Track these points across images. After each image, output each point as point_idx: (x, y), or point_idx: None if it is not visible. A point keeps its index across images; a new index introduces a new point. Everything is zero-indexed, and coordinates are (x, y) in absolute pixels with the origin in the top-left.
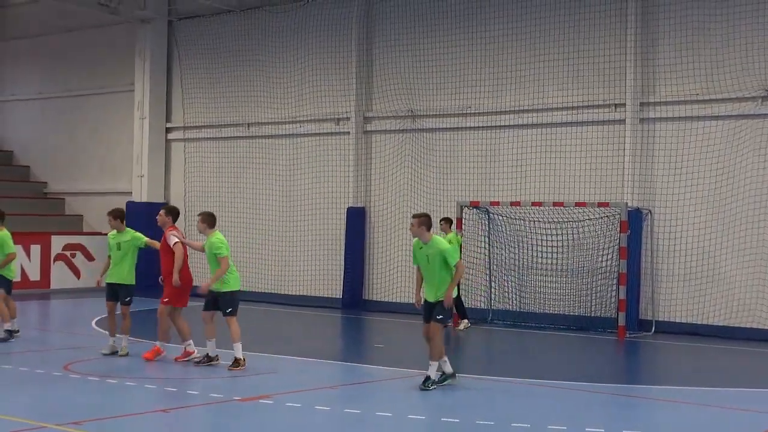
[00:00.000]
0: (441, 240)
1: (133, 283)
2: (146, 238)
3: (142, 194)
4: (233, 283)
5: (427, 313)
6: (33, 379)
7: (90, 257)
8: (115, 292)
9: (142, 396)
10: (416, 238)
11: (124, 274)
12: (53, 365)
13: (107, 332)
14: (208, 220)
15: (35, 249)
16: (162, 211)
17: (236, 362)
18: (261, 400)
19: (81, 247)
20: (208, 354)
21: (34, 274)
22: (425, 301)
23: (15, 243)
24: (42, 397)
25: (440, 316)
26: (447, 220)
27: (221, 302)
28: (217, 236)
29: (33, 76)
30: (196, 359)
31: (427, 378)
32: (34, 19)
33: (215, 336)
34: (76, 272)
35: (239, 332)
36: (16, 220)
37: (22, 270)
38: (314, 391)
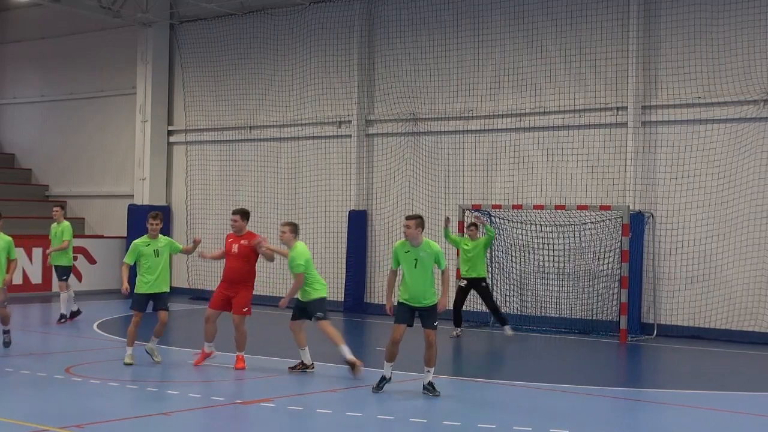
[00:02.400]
0: (434, 242)
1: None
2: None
3: (143, 197)
4: (320, 290)
5: (409, 316)
6: (35, 382)
7: (92, 260)
8: (149, 301)
9: (144, 399)
10: (401, 241)
11: (167, 281)
12: (55, 368)
13: (126, 342)
14: (295, 231)
15: (37, 252)
16: (237, 216)
17: (351, 364)
18: (263, 404)
19: (83, 250)
20: (303, 361)
21: (36, 277)
22: (405, 305)
23: (16, 246)
24: (44, 400)
25: (437, 323)
26: (476, 226)
27: (311, 309)
28: (299, 250)
29: (35, 78)
30: (290, 365)
31: (431, 386)
32: (36, 22)
33: (306, 344)
34: (78, 275)
35: (338, 334)
36: (18, 223)
37: (24, 273)
38: (316, 395)
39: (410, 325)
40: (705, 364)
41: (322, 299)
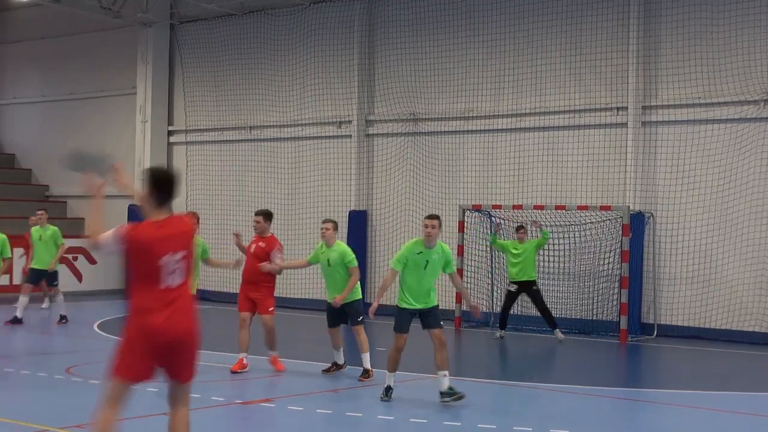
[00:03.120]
0: (445, 245)
1: None
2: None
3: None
4: (358, 291)
5: (409, 322)
6: (35, 383)
7: (92, 260)
8: None
9: (144, 399)
10: (414, 241)
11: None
12: (55, 368)
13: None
14: (336, 228)
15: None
16: (260, 218)
17: (366, 373)
18: (263, 404)
19: (83, 251)
20: (336, 362)
21: None
22: (407, 311)
23: (16, 246)
24: (44, 400)
25: (442, 322)
26: (524, 229)
27: (351, 311)
28: (344, 246)
29: (35, 79)
30: (324, 368)
31: (452, 389)
32: (36, 22)
33: (342, 345)
34: (78, 275)
35: (367, 342)
36: (18, 223)
37: (24, 273)
38: (316, 395)
39: (405, 332)
40: (705, 365)
41: (360, 301)
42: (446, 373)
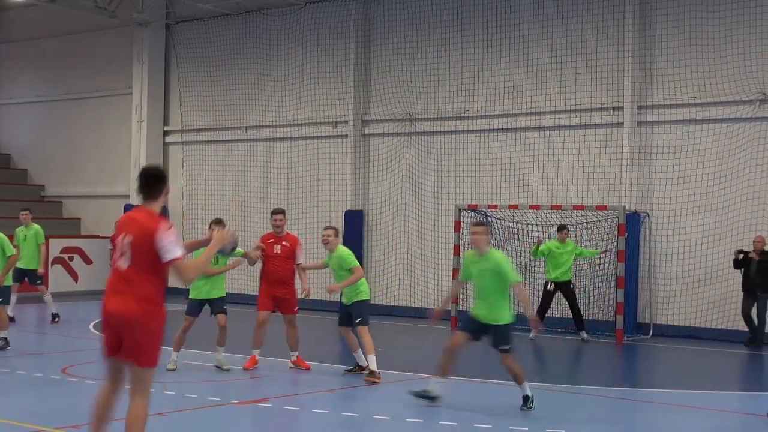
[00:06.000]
0: (499, 253)
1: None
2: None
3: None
4: (364, 292)
5: (474, 327)
6: (31, 383)
7: (88, 260)
8: (202, 305)
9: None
10: (471, 251)
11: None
12: (51, 369)
13: (173, 349)
14: (338, 234)
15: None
16: (281, 215)
17: (372, 374)
18: (259, 404)
19: (79, 251)
20: (358, 364)
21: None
22: (474, 319)
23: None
24: (40, 400)
25: (509, 345)
26: (566, 229)
27: (356, 312)
28: (345, 250)
29: (31, 79)
30: (347, 368)
31: (527, 397)
32: (31, 22)
33: (359, 346)
34: (74, 275)
35: (372, 343)
36: (13, 223)
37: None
38: (312, 395)
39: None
40: (701, 364)
41: (365, 302)
42: (523, 385)
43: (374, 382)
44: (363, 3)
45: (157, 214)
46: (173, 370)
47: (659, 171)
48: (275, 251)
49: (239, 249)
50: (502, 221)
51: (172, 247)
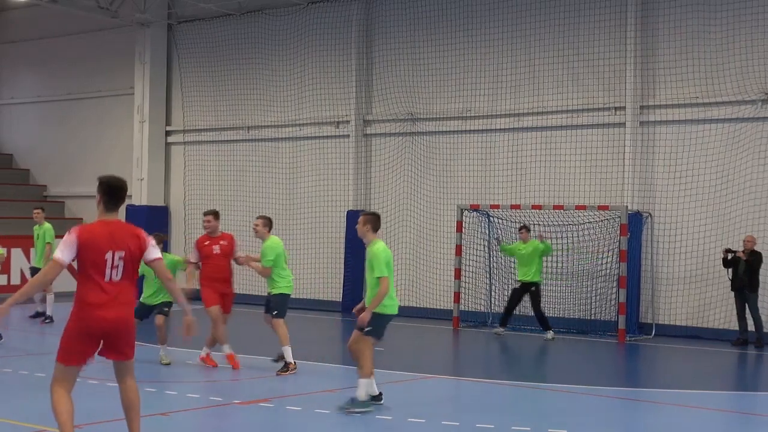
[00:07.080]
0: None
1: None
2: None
3: (142, 198)
4: (283, 286)
5: None
6: (33, 383)
7: None
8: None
9: (142, 399)
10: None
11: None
12: (53, 369)
13: (159, 344)
14: (269, 225)
15: (34, 252)
16: (210, 217)
17: (286, 367)
18: (261, 404)
19: None
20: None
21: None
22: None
23: (14, 246)
24: (42, 400)
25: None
26: (527, 228)
27: (272, 304)
28: (271, 243)
29: (33, 79)
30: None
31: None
32: (33, 23)
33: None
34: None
35: (287, 335)
36: (16, 223)
37: (21, 273)
38: (314, 395)
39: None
40: (703, 364)
41: (285, 296)
42: None
43: (287, 374)
44: (365, 3)
45: (134, 226)
46: (168, 364)
47: (661, 171)
48: (214, 251)
49: (178, 257)
50: (504, 221)
51: (154, 250)
